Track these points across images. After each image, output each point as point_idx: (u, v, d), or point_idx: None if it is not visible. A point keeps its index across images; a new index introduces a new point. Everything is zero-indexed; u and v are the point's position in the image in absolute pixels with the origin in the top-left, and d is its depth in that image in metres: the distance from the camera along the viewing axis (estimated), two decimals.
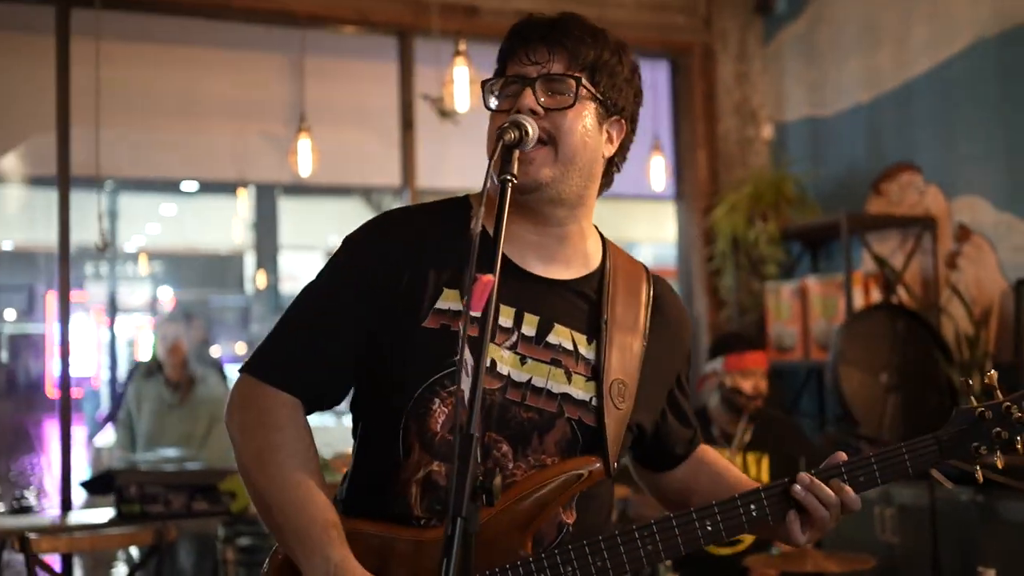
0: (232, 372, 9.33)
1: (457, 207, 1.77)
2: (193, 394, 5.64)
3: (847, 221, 4.87)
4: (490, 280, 1.36)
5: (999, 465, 1.77)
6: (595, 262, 1.78)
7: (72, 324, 4.84)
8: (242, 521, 4.60)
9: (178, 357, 5.63)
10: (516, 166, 1.54)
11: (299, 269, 13.56)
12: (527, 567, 1.60)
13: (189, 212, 12.32)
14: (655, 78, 5.85)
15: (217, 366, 7.56)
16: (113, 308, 11.13)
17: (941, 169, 4.82)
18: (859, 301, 4.93)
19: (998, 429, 1.75)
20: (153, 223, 12.72)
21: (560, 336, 1.69)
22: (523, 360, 1.66)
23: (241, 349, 11.89)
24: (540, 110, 1.64)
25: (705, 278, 5.79)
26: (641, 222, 9.17)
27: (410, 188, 5.42)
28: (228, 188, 10.35)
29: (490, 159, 1.52)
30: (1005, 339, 4.50)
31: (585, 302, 1.74)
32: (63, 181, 4.81)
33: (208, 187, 10.43)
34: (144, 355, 10.17)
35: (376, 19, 5.26)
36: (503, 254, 1.56)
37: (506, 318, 1.67)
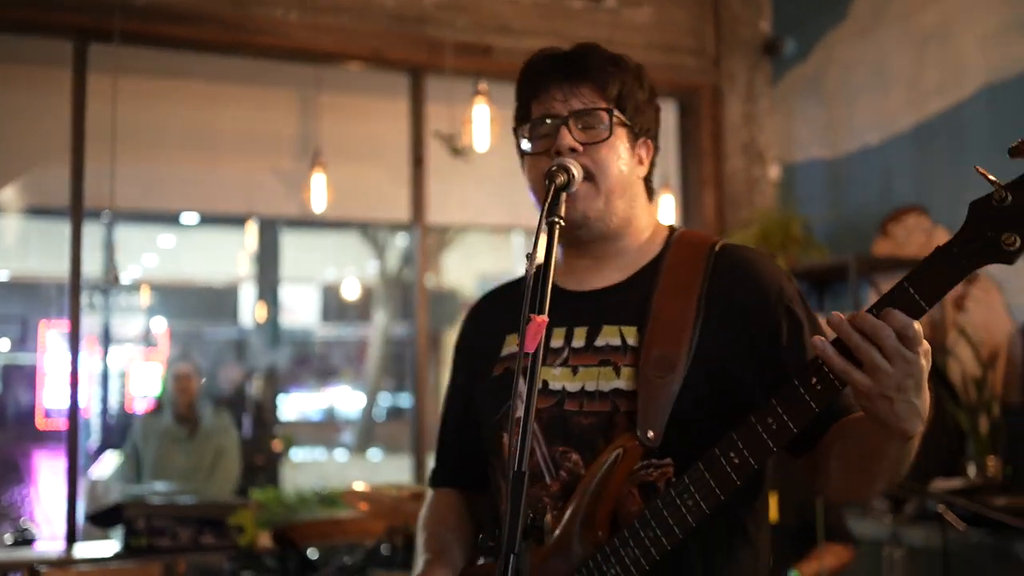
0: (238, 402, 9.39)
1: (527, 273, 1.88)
2: (200, 429, 5.72)
3: (855, 262, 4.90)
4: (543, 320, 1.38)
5: None
6: (652, 255, 1.78)
7: (65, 356, 4.84)
8: (249, 555, 4.59)
9: (188, 394, 5.74)
10: (564, 207, 1.56)
11: (296, 302, 13.58)
12: (594, 559, 1.59)
13: (187, 244, 12.34)
14: (664, 118, 5.88)
15: (238, 397, 7.74)
16: (106, 339, 11.08)
17: (949, 211, 4.86)
18: None
19: None
20: (150, 254, 12.73)
21: (608, 336, 1.70)
22: (575, 371, 1.70)
23: (234, 382, 11.85)
24: (579, 147, 1.69)
25: None
26: None
27: (420, 224, 5.44)
28: (230, 221, 10.37)
29: (541, 203, 1.54)
30: (1012, 380, 4.52)
31: (637, 294, 1.73)
32: (76, 213, 4.83)
33: (209, 219, 10.46)
34: (139, 389, 10.18)
35: (390, 57, 5.31)
36: (555, 284, 1.64)
37: (557, 339, 1.73)
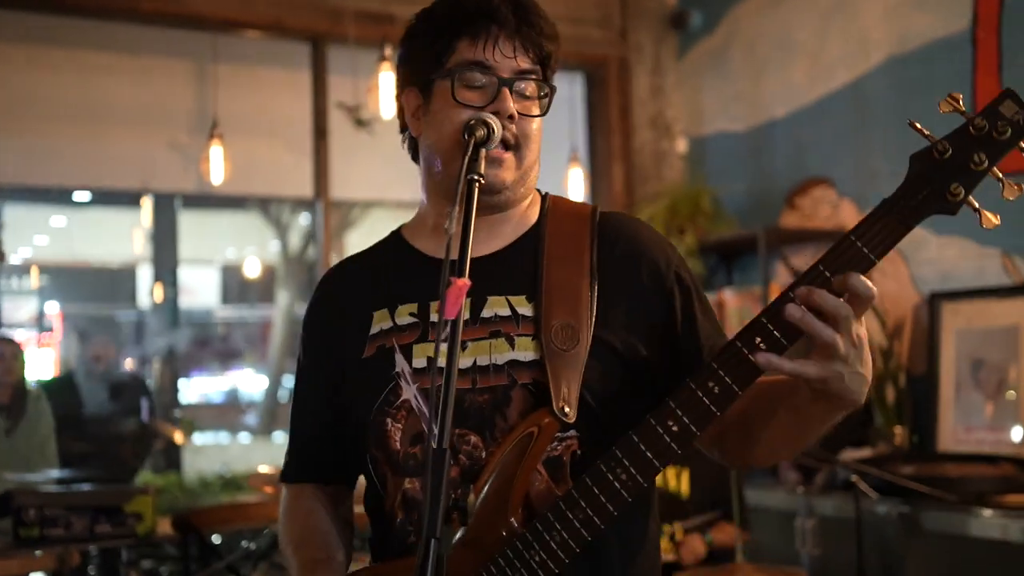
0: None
1: (387, 238, 1.80)
2: (23, 421, 5.29)
3: (764, 234, 4.90)
4: (465, 284, 1.28)
5: (993, 219, 1.36)
6: (531, 221, 1.69)
7: None
8: (147, 543, 4.42)
9: (12, 376, 5.26)
10: (483, 165, 1.47)
11: (196, 283, 13.25)
12: (512, 547, 1.48)
13: (81, 223, 11.95)
14: (571, 91, 5.82)
15: (122, 381, 7.32)
16: None
17: (854, 183, 4.89)
18: None
19: (975, 154, 1.36)
20: (41, 234, 12.31)
21: (495, 306, 1.60)
22: (463, 346, 1.57)
23: (129, 365, 11.55)
24: (516, 116, 1.59)
25: None
26: None
27: (323, 199, 5.29)
28: (124, 199, 10.04)
29: (448, 157, 1.46)
30: (918, 352, 4.56)
31: (520, 262, 1.63)
32: None
33: (103, 198, 10.12)
34: (33, 375, 9.80)
35: (289, 25, 5.13)
36: (422, 254, 1.67)
37: (435, 313, 1.61)
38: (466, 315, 1.59)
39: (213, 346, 13.58)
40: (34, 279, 11.97)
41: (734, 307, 5.19)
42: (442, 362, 1.46)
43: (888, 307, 4.67)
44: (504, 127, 1.55)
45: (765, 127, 5.40)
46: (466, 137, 1.47)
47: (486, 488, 1.51)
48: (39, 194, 9.69)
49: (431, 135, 1.64)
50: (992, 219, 1.35)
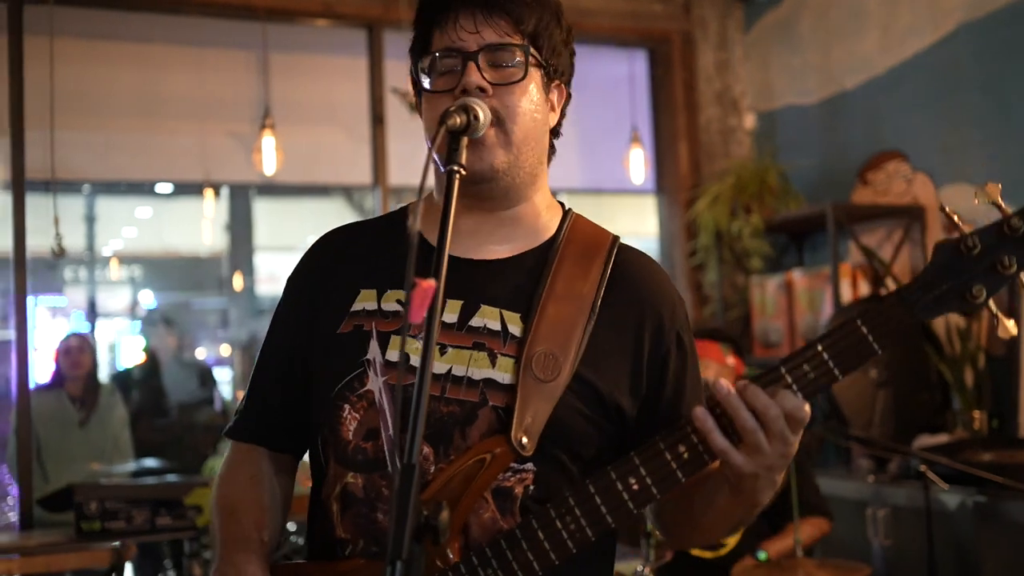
0: (219, 375, 9.17)
1: (393, 214, 1.68)
2: (96, 412, 5.35)
3: (833, 212, 4.71)
4: (431, 286, 1.18)
5: (1011, 328, 1.28)
6: (546, 235, 1.58)
7: (41, 330, 4.64)
8: (208, 534, 4.42)
9: (83, 370, 5.31)
10: (464, 154, 1.37)
11: (279, 270, 13.38)
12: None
13: (165, 215, 12.14)
14: (633, 68, 5.67)
15: (203, 369, 7.39)
16: (93, 313, 10.98)
17: (929, 156, 4.66)
18: (847, 294, 4.77)
19: (1005, 256, 1.25)
20: (130, 226, 12.55)
21: (486, 317, 1.49)
22: (443, 350, 1.47)
23: (225, 351, 11.75)
24: (489, 87, 1.47)
25: (688, 273, 5.63)
26: (621, 217, 8.98)
27: (381, 186, 5.24)
28: (201, 190, 10.16)
29: (430, 146, 1.34)
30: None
31: (524, 278, 1.53)
32: (18, 185, 4.61)
33: (183, 189, 10.26)
34: (128, 361, 9.97)
35: (343, 11, 5.08)
36: (427, 244, 1.51)
37: (423, 309, 1.50)
38: (453, 318, 1.50)
39: None
40: (120, 270, 12.22)
41: (803, 288, 5.01)
42: (416, 362, 1.38)
43: None
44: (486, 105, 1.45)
45: (836, 99, 5.19)
46: (438, 125, 1.37)
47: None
48: (124, 188, 9.85)
49: (424, 124, 1.57)
50: (1010, 328, 1.29)
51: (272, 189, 10.15)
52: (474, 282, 1.51)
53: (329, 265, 1.63)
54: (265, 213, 10.77)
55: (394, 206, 5.79)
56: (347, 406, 1.50)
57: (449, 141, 1.37)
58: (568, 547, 1.38)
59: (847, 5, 5.11)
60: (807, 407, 1.31)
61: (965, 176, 4.45)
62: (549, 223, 1.59)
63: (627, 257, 1.59)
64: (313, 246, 1.68)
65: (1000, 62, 4.29)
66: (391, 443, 1.46)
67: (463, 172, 1.35)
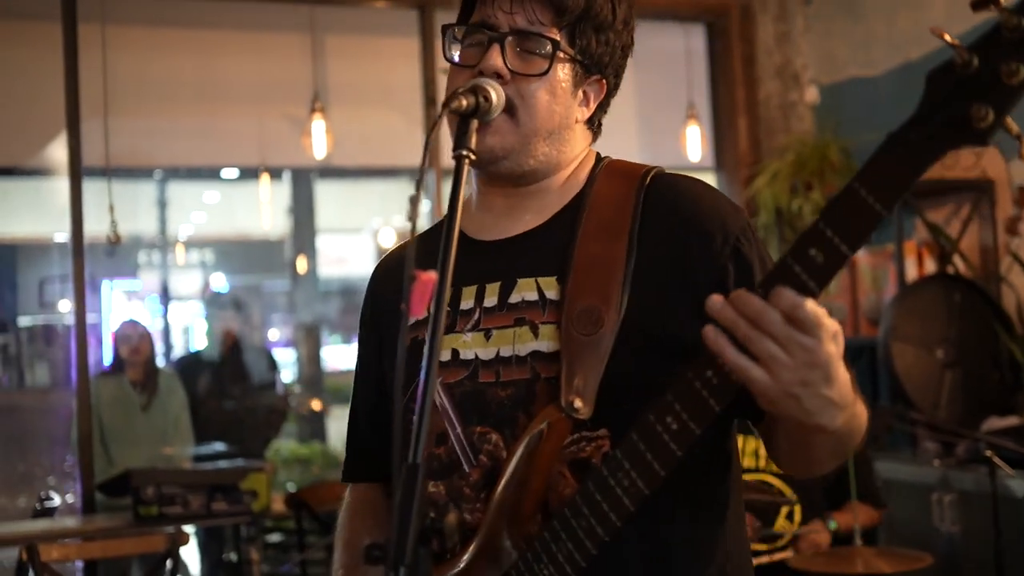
0: (281, 355, 9.22)
1: (440, 223, 1.60)
2: (158, 396, 5.40)
3: None
4: (429, 279, 1.13)
5: None
6: (573, 193, 1.49)
7: (117, 313, 4.69)
8: (267, 517, 4.45)
9: (141, 356, 5.36)
10: (474, 138, 1.30)
11: (344, 252, 13.46)
12: (524, 559, 1.34)
13: (231, 199, 12.27)
14: (690, 42, 5.55)
15: (266, 353, 7.44)
16: (166, 296, 11.17)
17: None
18: (912, 272, 4.62)
19: (1008, 63, 1.04)
20: (199, 211, 12.72)
21: (523, 290, 1.42)
22: (488, 335, 1.42)
23: (290, 333, 11.88)
24: (507, 74, 1.39)
25: None
26: None
27: (435, 168, 5.20)
28: (262, 173, 10.25)
29: (431, 128, 1.28)
30: None
31: (555, 239, 1.44)
32: (75, 173, 4.66)
33: (249, 173, 10.36)
34: (199, 343, 10.12)
35: None
36: (466, 238, 1.45)
37: (467, 299, 1.45)
38: (493, 300, 1.44)
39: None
40: (190, 254, 12.40)
41: (867, 266, 4.87)
42: (465, 356, 1.32)
43: None
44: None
45: (901, 70, 5.02)
46: (442, 106, 1.31)
47: (500, 496, 1.36)
48: (189, 173, 9.96)
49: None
50: None
51: (333, 172, 10.19)
52: (508, 260, 1.45)
53: (386, 291, 1.62)
54: (327, 196, 10.82)
55: (447, 187, 5.78)
56: (415, 417, 1.47)
57: (458, 124, 1.31)
58: (625, 505, 1.27)
59: None
60: (809, 303, 1.11)
61: None
62: (577, 181, 1.50)
63: (664, 182, 1.46)
64: (370, 278, 1.68)
65: None
66: (461, 442, 1.42)
67: (472, 156, 1.29)
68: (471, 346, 1.43)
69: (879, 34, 5.15)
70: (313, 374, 9.67)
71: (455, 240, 1.23)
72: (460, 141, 1.29)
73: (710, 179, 5.74)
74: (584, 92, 1.48)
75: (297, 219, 10.35)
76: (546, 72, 1.41)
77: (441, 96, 5.04)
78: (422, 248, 1.55)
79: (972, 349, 4.33)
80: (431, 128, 1.26)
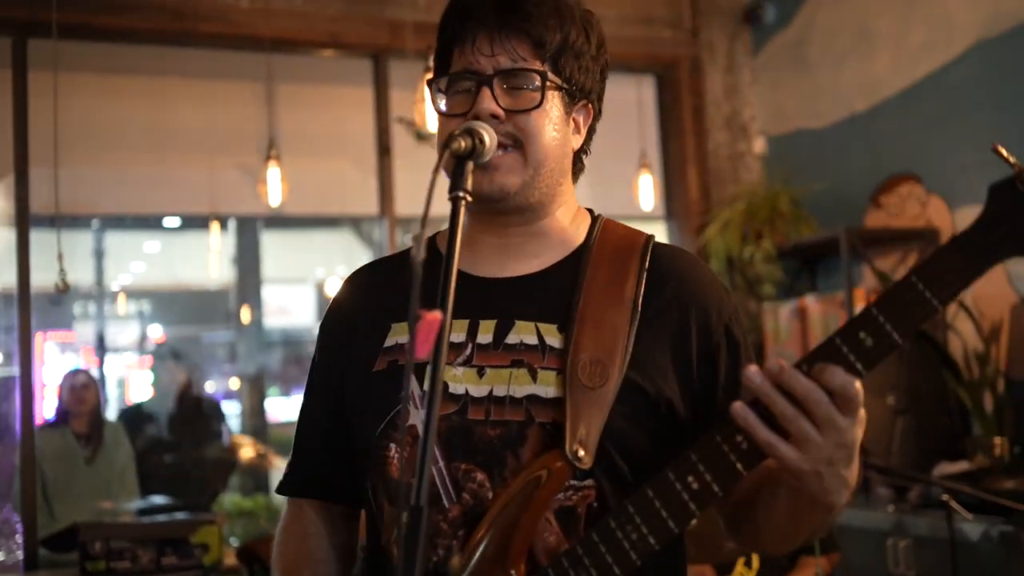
0: (227, 408, 9.10)
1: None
2: (102, 448, 5.26)
3: (847, 236, 4.64)
4: (436, 318, 1.12)
5: None
6: (574, 244, 1.52)
7: (51, 367, 4.60)
8: (218, 571, 4.34)
9: (87, 406, 5.23)
10: (470, 180, 1.31)
11: (290, 303, 13.35)
12: None
13: (173, 248, 12.13)
14: (641, 94, 5.63)
15: (211, 404, 7.32)
16: (102, 348, 10.95)
17: (943, 178, 4.60)
18: None
19: None
20: (138, 261, 12.55)
21: (522, 332, 1.44)
22: (481, 372, 1.42)
23: (234, 384, 11.72)
24: (501, 113, 1.42)
25: None
26: None
27: (388, 216, 5.19)
28: (208, 223, 10.16)
29: (434, 171, 1.28)
30: (1017, 354, 4.26)
31: (557, 288, 1.47)
32: (22, 221, 4.58)
33: (191, 222, 10.25)
34: (138, 396, 9.94)
35: (349, 41, 5.04)
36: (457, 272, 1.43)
37: (458, 332, 1.45)
38: (488, 338, 1.45)
39: (306, 364, 13.68)
40: (129, 304, 12.22)
41: (817, 314, 4.94)
42: (455, 390, 1.30)
43: (983, 309, 4.38)
44: (496, 130, 1.40)
45: (847, 122, 5.14)
46: (442, 148, 1.32)
47: (486, 537, 1.35)
48: (131, 222, 9.85)
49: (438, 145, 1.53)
50: None
51: (279, 222, 10.13)
52: (506, 300, 1.46)
53: (357, 306, 1.60)
54: (272, 246, 10.75)
55: (401, 236, 5.77)
56: (393, 445, 1.45)
57: (455, 166, 1.32)
58: (631, 559, 1.29)
59: (857, 26, 5.06)
60: (857, 383, 1.16)
61: (980, 198, 4.33)
62: (577, 232, 1.54)
63: (664, 253, 1.53)
64: (340, 289, 1.65)
65: (1015, 80, 4.23)
66: (443, 476, 1.40)
67: (468, 198, 1.29)
68: (462, 381, 1.43)
69: (825, 87, 5.26)
70: (257, 425, 9.53)
71: (453, 279, 1.23)
72: (456, 183, 1.29)
73: (661, 228, 5.82)
74: (574, 119, 1.52)
75: (242, 269, 10.25)
76: (540, 104, 1.44)
77: (396, 145, 5.06)
78: (400, 271, 1.55)
79: (922, 395, 4.39)
80: (434, 171, 1.26)
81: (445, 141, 1.32)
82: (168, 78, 5.18)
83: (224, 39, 4.90)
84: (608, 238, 1.52)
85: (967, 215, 4.43)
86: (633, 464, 1.39)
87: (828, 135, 5.24)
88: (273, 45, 4.93)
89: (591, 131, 1.57)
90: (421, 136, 4.68)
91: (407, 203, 5.22)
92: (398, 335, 1.50)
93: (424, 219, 1.19)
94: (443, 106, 1.48)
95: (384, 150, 5.17)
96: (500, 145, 1.41)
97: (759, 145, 5.67)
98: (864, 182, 4.99)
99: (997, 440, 4.14)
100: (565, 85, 1.48)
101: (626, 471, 1.38)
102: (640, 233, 1.55)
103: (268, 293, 11.14)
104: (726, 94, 5.68)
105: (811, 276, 5.37)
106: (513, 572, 1.34)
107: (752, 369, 1.19)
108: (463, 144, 1.31)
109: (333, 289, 11.35)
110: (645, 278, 1.46)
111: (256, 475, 8.69)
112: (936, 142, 4.62)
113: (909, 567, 3.84)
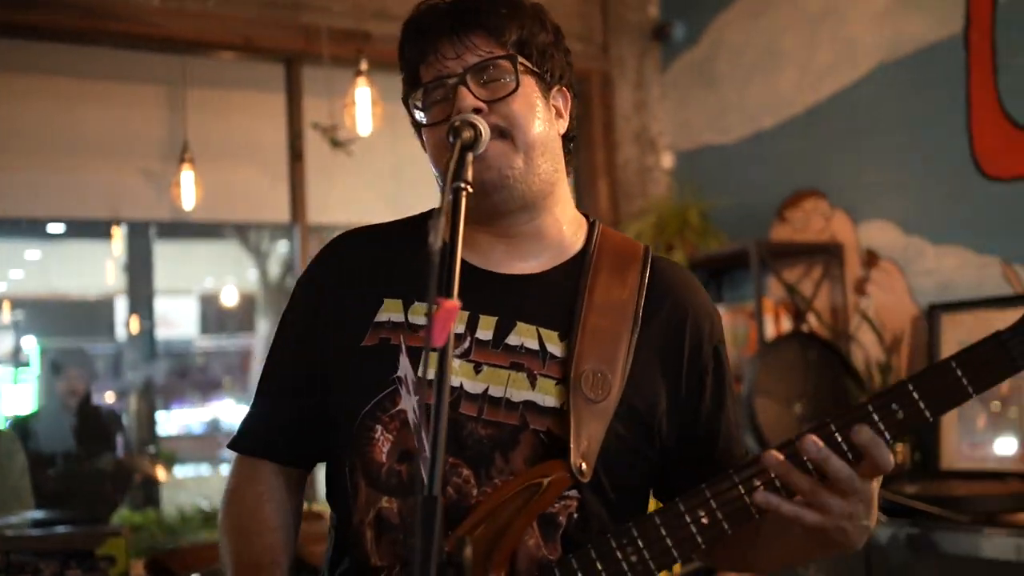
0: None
1: (414, 219, 1.62)
2: None
3: (756, 249, 4.76)
4: (454, 307, 1.12)
5: None
6: (574, 249, 1.55)
7: None
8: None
9: None
10: (471, 171, 1.31)
11: (175, 314, 13.05)
12: None
13: (56, 256, 11.76)
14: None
15: (105, 413, 7.08)
16: None
17: (847, 194, 4.75)
18: (770, 330, 4.82)
19: None
20: (16, 268, 12.13)
21: (523, 335, 1.45)
22: (477, 368, 1.43)
23: (111, 398, 11.38)
24: (483, 105, 1.44)
25: None
26: None
27: (300, 224, 5.12)
28: (99, 230, 9.86)
29: (444, 169, 1.29)
30: (917, 365, 4.42)
31: (558, 294, 1.49)
32: None
33: (77, 229, 9.94)
34: (12, 410, 9.57)
35: (262, 45, 4.97)
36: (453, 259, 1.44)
37: (459, 323, 1.45)
38: (488, 335, 1.45)
39: (192, 377, 13.37)
40: (8, 313, 11.78)
41: (726, 324, 5.02)
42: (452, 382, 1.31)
43: (885, 320, 4.54)
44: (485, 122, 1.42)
45: (753, 139, 5.27)
46: (451, 140, 1.32)
47: (475, 533, 1.36)
48: (12, 227, 9.50)
49: (429, 154, 1.54)
50: None
51: (173, 231, 9.90)
52: (507, 297, 1.47)
53: (348, 269, 1.56)
54: (164, 255, 10.50)
55: (314, 245, 5.70)
56: (379, 427, 1.43)
57: (458, 158, 1.32)
58: None
59: (764, 45, 5.21)
60: (890, 456, 1.25)
61: (883, 213, 4.54)
62: (576, 236, 1.56)
63: (663, 267, 1.56)
64: (328, 247, 1.61)
65: (917, 101, 4.40)
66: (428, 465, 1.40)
67: (470, 188, 1.30)
68: (457, 374, 1.43)
69: (732, 103, 5.39)
70: (146, 439, 9.29)
71: (458, 269, 1.23)
72: (457, 174, 1.30)
73: None
74: (554, 105, 1.55)
75: (134, 278, 9.98)
76: (516, 88, 1.47)
77: (308, 150, 4.99)
78: (391, 245, 1.54)
79: (826, 404, 4.52)
80: (453, 165, 1.27)
81: (452, 130, 1.33)
82: (72, 78, 5.03)
83: (133, 38, 4.77)
84: (607, 245, 1.55)
85: (870, 229, 4.59)
86: (616, 482, 1.42)
87: (735, 151, 5.37)
88: (185, 47, 4.84)
89: (572, 116, 1.61)
90: (336, 143, 4.64)
91: (319, 211, 5.16)
92: (390, 312, 1.48)
93: (441, 207, 1.18)
94: (424, 119, 1.50)
95: (296, 156, 5.10)
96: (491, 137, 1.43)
97: (667, 159, 5.78)
98: (770, 197, 5.13)
99: (899, 447, 4.29)
100: (536, 69, 1.51)
101: (608, 488, 1.41)
102: (636, 243, 1.59)
103: (158, 303, 10.88)
104: (635, 109, 5.77)
105: (719, 287, 5.49)
106: (495, 575, 1.34)
107: (773, 454, 1.27)
108: (469, 133, 1.32)
109: (230, 299, 11.15)
110: (645, 289, 1.50)
111: (146, 489, 8.46)
112: (840, 159, 4.77)
113: (819, 570, 3.94)
